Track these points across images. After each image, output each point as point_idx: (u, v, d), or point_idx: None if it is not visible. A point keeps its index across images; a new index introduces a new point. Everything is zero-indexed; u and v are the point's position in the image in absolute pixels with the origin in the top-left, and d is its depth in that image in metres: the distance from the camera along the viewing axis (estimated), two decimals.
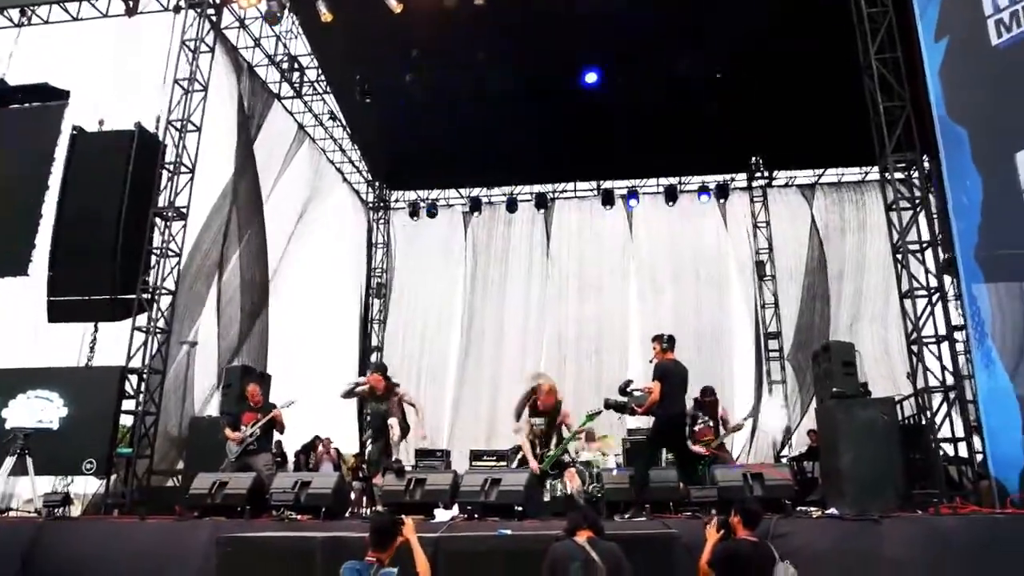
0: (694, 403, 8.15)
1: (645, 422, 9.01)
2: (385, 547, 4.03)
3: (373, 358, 15.94)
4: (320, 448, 11.42)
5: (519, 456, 7.90)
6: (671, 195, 15.45)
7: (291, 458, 11.48)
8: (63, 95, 10.62)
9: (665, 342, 7.03)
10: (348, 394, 7.98)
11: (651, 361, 7.08)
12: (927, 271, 8.20)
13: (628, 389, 7.18)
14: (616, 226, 16.00)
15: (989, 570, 5.20)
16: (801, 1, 10.57)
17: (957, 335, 8.32)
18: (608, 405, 7.24)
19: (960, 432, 7.57)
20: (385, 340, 16.52)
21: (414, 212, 16.57)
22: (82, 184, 9.75)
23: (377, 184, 17.38)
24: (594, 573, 4.01)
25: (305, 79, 14.00)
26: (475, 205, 16.31)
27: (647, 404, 6.88)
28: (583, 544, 4.16)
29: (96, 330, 10.03)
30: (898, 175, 8.60)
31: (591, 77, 12.71)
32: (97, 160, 9.86)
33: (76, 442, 8.51)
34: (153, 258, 9.75)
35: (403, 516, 4.40)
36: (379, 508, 7.17)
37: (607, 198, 15.63)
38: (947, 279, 8.69)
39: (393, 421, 7.38)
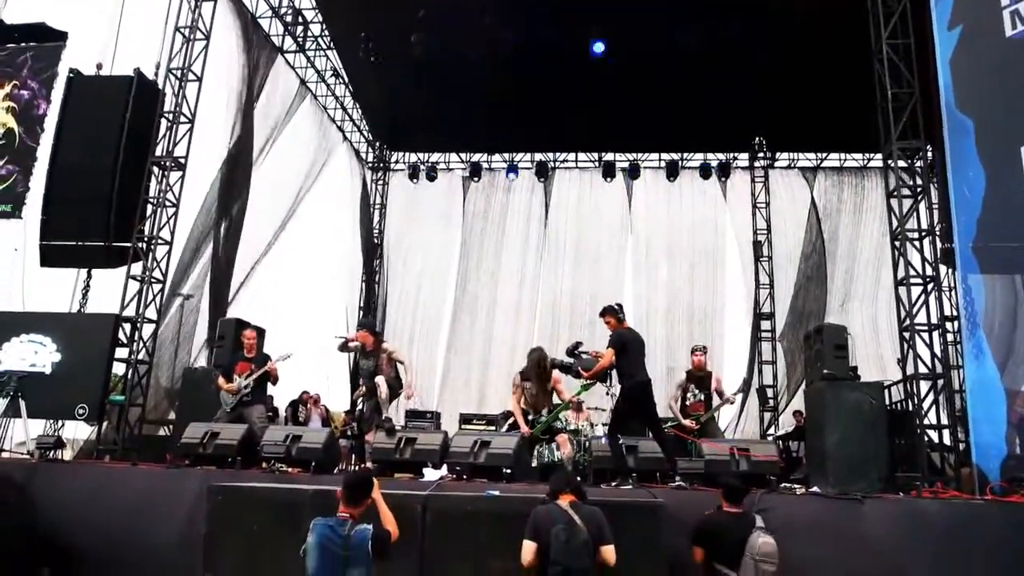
0: (686, 376, 8.19)
1: None
2: (358, 503, 4.00)
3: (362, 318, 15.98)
4: (310, 403, 11.48)
5: (509, 421, 7.99)
6: (672, 171, 15.41)
7: (282, 412, 11.54)
8: (61, 36, 10.45)
9: (620, 312, 6.80)
10: (342, 347, 8.02)
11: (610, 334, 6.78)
12: (924, 260, 8.24)
13: (576, 351, 6.98)
14: (615, 199, 15.99)
15: (965, 552, 5.33)
16: None
17: (948, 324, 8.40)
18: (554, 365, 7.16)
19: (945, 420, 7.68)
20: (379, 301, 16.53)
21: (414, 174, 16.46)
22: (78, 128, 9.64)
23: (377, 144, 17.24)
24: (576, 536, 4.09)
25: (309, 34, 13.79)
26: (475, 170, 16.21)
27: (595, 369, 6.67)
28: (566, 508, 4.24)
29: (89, 277, 9.99)
30: (901, 163, 8.59)
31: (598, 47, 12.54)
32: (94, 104, 9.72)
33: (68, 388, 8.49)
34: (149, 207, 9.68)
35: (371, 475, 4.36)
36: (369, 465, 7.23)
37: (608, 170, 15.56)
38: (942, 269, 8.74)
39: (380, 379, 7.40)
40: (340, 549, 3.81)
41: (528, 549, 4.19)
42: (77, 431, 9.44)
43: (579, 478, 5.49)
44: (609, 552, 4.16)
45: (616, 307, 6.87)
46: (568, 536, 4.10)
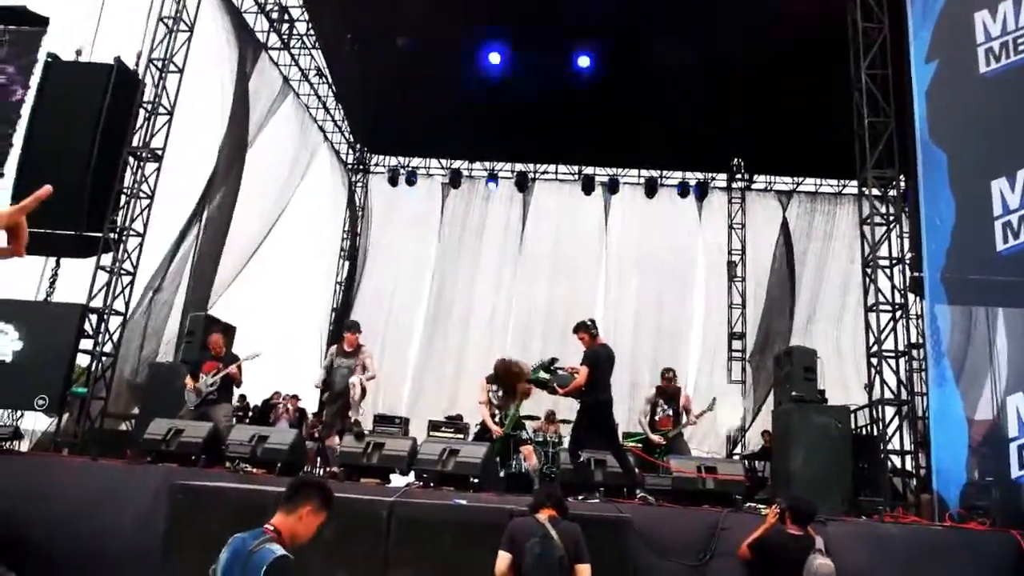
0: (656, 391, 8.22)
1: None
2: (292, 506, 3.08)
3: (331, 320, 15.89)
4: (280, 406, 11.33)
5: (477, 426, 8.00)
6: (651, 188, 15.51)
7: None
8: (42, 21, 10.25)
9: (592, 328, 6.81)
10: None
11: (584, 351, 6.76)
12: (893, 287, 8.38)
13: (552, 367, 7.00)
14: (593, 213, 16.05)
15: None
16: (798, 11, 10.65)
17: (914, 352, 8.55)
18: (529, 380, 7.19)
19: (908, 446, 7.81)
20: (355, 304, 16.39)
21: (393, 179, 16.38)
22: (54, 114, 9.41)
23: (358, 146, 17.16)
24: (551, 550, 4.06)
25: (294, 31, 13.72)
26: (455, 177, 16.18)
27: (571, 386, 6.67)
28: (544, 522, 4.21)
29: (57, 266, 9.78)
30: (875, 191, 8.74)
31: (584, 61, 12.66)
32: (71, 91, 9.49)
33: (29, 377, 8.26)
34: (123, 198, 9.53)
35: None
36: (334, 469, 7.17)
37: (587, 184, 15.63)
38: (910, 297, 8.91)
39: (355, 380, 7.40)
40: (240, 568, 2.91)
41: (502, 560, 4.15)
42: (36, 422, 9.22)
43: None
44: (585, 571, 4.10)
45: (589, 323, 6.89)
46: (542, 550, 4.06)
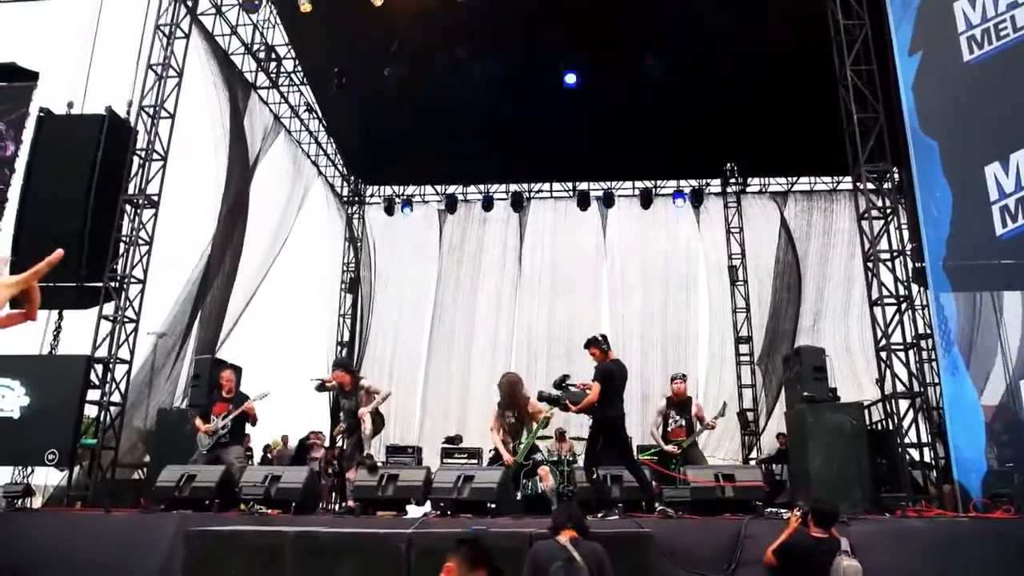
0: (666, 402, 8.15)
1: None
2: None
3: (340, 354, 15.81)
4: (317, 446, 11.15)
5: (491, 452, 7.91)
6: (646, 199, 15.53)
7: (258, 452, 11.31)
8: (32, 76, 10.36)
9: (604, 343, 6.77)
10: (320, 388, 7.95)
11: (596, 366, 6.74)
12: (896, 280, 8.36)
13: (564, 384, 6.93)
14: (590, 228, 16.06)
15: (952, 570, 5.34)
16: (779, 11, 10.72)
17: (923, 343, 8.51)
18: (541, 398, 7.08)
19: (925, 438, 7.75)
20: (365, 336, 16.35)
21: (389, 208, 16.43)
22: (49, 167, 9.51)
23: (352, 178, 17.23)
24: (576, 573, 4.00)
25: (282, 69, 13.82)
26: (451, 203, 16.23)
27: (583, 403, 6.62)
28: (566, 544, 4.14)
29: (60, 318, 9.80)
30: (870, 185, 8.75)
31: (571, 78, 12.75)
32: (65, 143, 9.62)
33: (38, 432, 8.26)
34: (122, 246, 9.56)
35: None
36: (350, 504, 7.11)
37: (583, 200, 15.66)
38: (915, 287, 8.88)
39: (364, 413, 7.34)
40: None
41: None
42: (48, 477, 9.17)
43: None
44: None
45: (600, 338, 6.85)
46: (567, 574, 4.01)
